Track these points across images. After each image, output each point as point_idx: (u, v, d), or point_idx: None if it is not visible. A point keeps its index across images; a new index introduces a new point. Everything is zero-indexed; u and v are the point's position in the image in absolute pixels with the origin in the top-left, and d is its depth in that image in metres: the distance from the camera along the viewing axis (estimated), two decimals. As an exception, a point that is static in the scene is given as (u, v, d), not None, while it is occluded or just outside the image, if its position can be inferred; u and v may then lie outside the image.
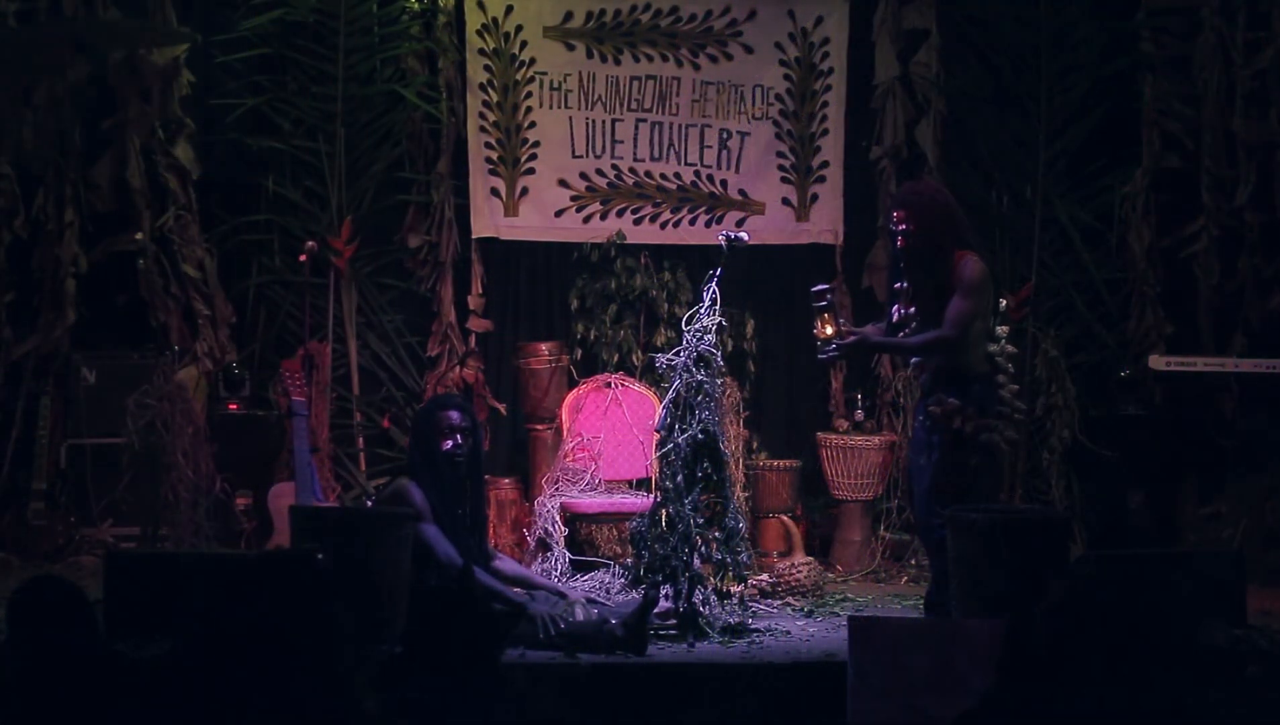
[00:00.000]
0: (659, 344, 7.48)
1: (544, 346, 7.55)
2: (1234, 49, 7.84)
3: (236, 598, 2.62)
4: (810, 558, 6.81)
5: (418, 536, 5.32)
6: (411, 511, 5.35)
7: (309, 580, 2.63)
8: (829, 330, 5.51)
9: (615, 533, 7.01)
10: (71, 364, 7.52)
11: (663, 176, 7.95)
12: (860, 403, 7.72)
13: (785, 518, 7.31)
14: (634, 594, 5.59)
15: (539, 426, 7.45)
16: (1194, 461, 7.69)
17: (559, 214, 7.91)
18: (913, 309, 5.50)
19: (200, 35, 7.68)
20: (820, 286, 5.58)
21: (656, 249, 7.85)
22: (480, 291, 7.86)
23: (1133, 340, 7.85)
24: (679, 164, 7.96)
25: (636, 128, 7.93)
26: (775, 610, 6.19)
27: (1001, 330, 5.58)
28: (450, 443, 5.50)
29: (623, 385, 7.40)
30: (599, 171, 7.92)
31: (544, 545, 6.82)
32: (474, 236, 7.85)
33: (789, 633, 5.69)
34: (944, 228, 5.43)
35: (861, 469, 7.44)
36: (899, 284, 5.57)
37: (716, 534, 5.59)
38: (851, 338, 5.53)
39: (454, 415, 5.56)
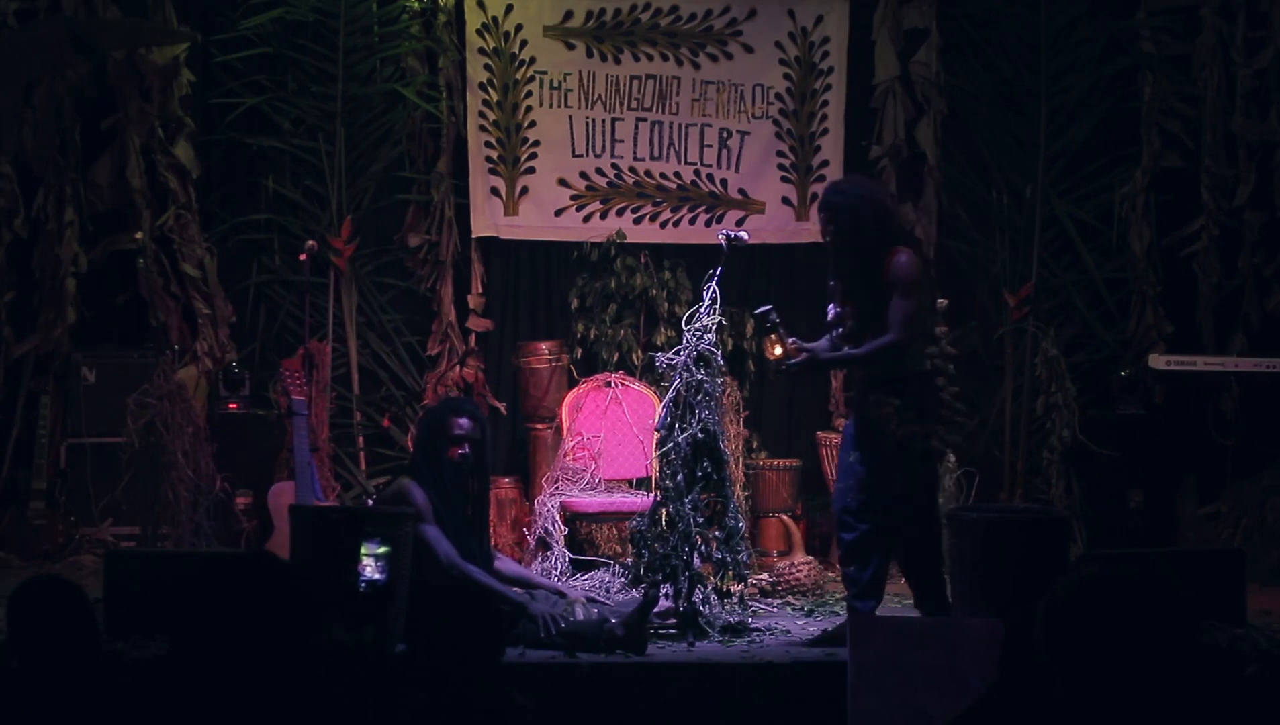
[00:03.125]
0: (659, 343, 7.48)
1: (544, 346, 7.55)
2: (1234, 48, 7.84)
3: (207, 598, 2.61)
4: (810, 557, 6.82)
5: (418, 537, 5.32)
6: (412, 511, 5.35)
7: (269, 581, 2.62)
8: (778, 350, 5.47)
9: (615, 532, 7.01)
10: (71, 364, 7.52)
11: (663, 176, 7.95)
12: (860, 402, 7.70)
13: (785, 517, 7.32)
14: (634, 593, 5.59)
15: (539, 426, 7.45)
16: (1194, 461, 7.69)
17: (559, 213, 7.91)
18: (847, 307, 5.47)
19: (200, 35, 7.68)
20: (764, 308, 5.54)
21: (656, 248, 7.85)
22: (480, 291, 7.86)
23: (1133, 340, 7.85)
24: (679, 163, 7.96)
25: (636, 127, 7.94)
26: (775, 609, 6.19)
27: (941, 330, 5.49)
28: (460, 452, 5.48)
29: (623, 384, 7.40)
30: (599, 171, 7.92)
31: (544, 544, 6.82)
32: (474, 236, 7.85)
33: (789, 632, 5.69)
34: (867, 227, 5.33)
35: (861, 468, 7.42)
36: (833, 282, 5.56)
37: (716, 533, 5.59)
38: (801, 357, 5.47)
39: (464, 422, 5.53)
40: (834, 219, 5.39)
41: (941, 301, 5.60)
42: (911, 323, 5.26)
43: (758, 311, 5.53)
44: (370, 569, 5.02)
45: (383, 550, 5.03)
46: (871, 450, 5.38)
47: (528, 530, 7.03)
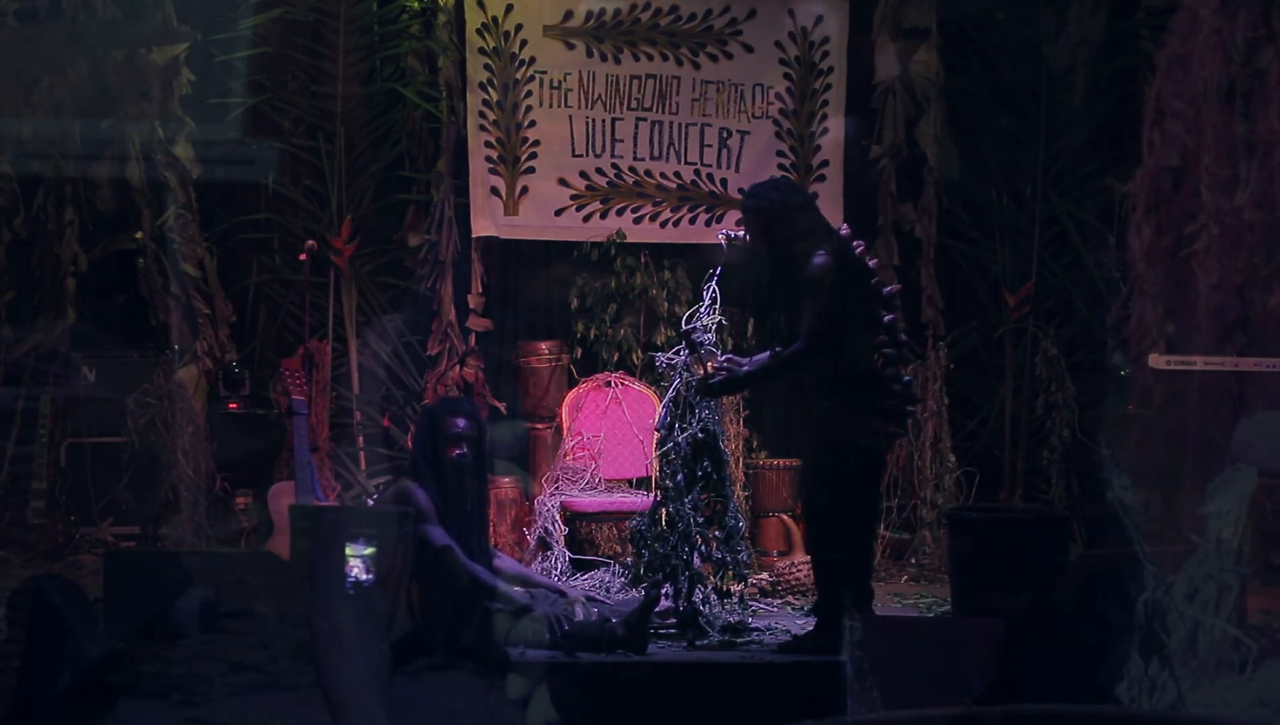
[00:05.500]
0: (659, 343, 7.48)
1: (544, 345, 7.56)
2: (1234, 48, 7.84)
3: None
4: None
5: (422, 537, 5.31)
6: (412, 512, 5.35)
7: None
8: (702, 369, 5.50)
9: (615, 532, 7.02)
10: (71, 364, 7.53)
11: (663, 175, 7.96)
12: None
13: (785, 517, 7.32)
14: (634, 593, 5.59)
15: (539, 425, 7.46)
16: (1194, 461, 7.69)
17: (559, 213, 7.91)
18: (779, 313, 5.48)
19: (200, 34, 7.68)
20: (687, 328, 5.55)
21: (656, 248, 7.86)
22: (480, 290, 7.87)
23: (1133, 339, 7.85)
24: (679, 163, 7.97)
25: (636, 127, 7.94)
26: (775, 609, 6.20)
27: (889, 317, 5.39)
28: (457, 451, 5.50)
29: (623, 384, 7.40)
30: (599, 170, 7.92)
31: (544, 544, 6.83)
32: (474, 235, 7.85)
33: (789, 632, 5.69)
34: (771, 229, 5.35)
35: (861, 468, 7.42)
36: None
37: (716, 533, 5.60)
38: (720, 376, 5.48)
39: (461, 422, 5.54)
40: (748, 226, 5.44)
41: (892, 287, 5.53)
42: (816, 330, 5.21)
43: (683, 330, 5.55)
44: (358, 570, 5.01)
45: (369, 551, 5.03)
46: (812, 449, 5.42)
47: (528, 530, 7.03)
